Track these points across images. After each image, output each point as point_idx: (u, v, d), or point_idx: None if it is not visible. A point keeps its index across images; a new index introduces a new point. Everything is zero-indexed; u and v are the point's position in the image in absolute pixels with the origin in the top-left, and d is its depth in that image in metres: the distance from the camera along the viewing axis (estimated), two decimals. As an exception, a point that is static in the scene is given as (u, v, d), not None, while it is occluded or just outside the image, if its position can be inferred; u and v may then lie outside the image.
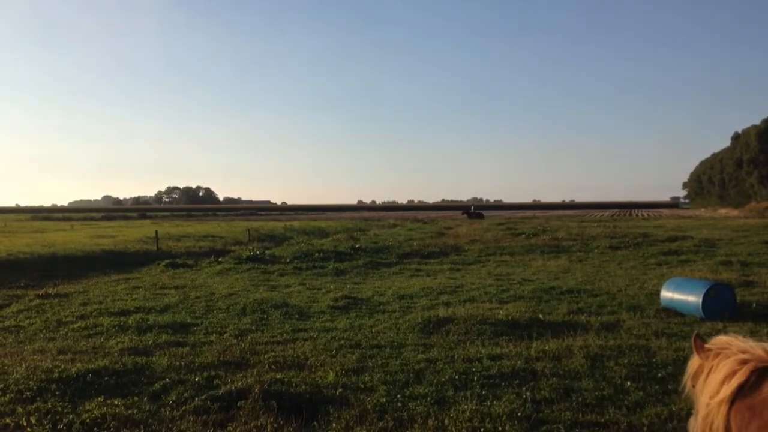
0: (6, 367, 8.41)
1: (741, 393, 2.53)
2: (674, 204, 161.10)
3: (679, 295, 11.80)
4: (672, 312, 11.79)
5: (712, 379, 2.70)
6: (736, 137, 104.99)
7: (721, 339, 2.84)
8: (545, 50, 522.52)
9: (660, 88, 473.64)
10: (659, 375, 7.57)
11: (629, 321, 11.02)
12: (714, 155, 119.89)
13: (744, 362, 2.58)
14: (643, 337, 9.72)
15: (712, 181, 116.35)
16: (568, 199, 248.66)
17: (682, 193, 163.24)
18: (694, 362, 2.93)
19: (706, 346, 2.87)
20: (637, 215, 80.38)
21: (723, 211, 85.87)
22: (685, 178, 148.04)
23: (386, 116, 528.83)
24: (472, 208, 65.35)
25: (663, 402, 6.62)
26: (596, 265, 21.19)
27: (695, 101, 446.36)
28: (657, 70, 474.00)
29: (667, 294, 12.18)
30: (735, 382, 2.56)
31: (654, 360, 8.19)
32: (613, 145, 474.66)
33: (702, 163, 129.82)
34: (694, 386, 2.90)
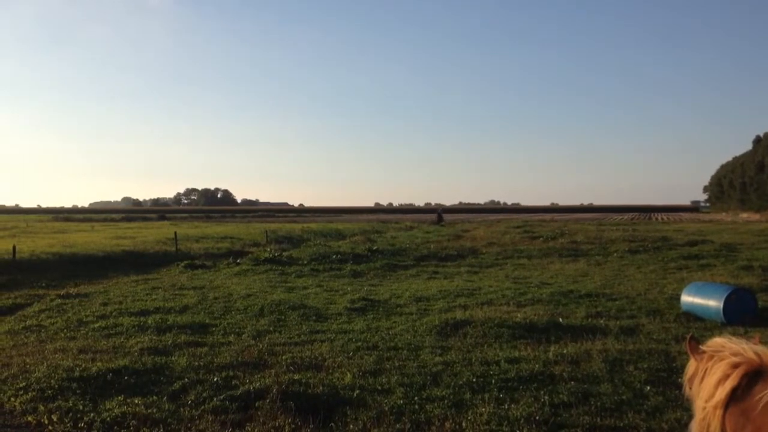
0: (28, 366, 8.53)
1: (734, 397, 2.52)
2: (694, 208, 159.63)
3: (700, 299, 11.68)
4: (692, 316, 11.67)
5: (707, 382, 2.69)
6: (757, 141, 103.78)
7: (715, 341, 2.82)
8: (563, 51, 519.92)
9: (681, 90, 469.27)
10: (679, 380, 7.45)
11: (649, 325, 10.93)
12: (735, 159, 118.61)
13: (736, 365, 2.57)
14: (663, 342, 9.64)
15: (733, 185, 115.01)
16: (586, 203, 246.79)
17: (702, 196, 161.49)
18: (690, 365, 2.92)
19: (701, 348, 2.86)
20: (656, 219, 79.68)
21: (744, 215, 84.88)
22: (706, 181, 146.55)
23: (403, 118, 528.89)
24: (440, 211, 71.32)
25: (683, 407, 6.54)
26: (615, 268, 21.02)
27: (716, 104, 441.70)
28: (678, 73, 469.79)
29: (687, 298, 12.06)
30: (728, 386, 2.54)
31: (674, 365, 8.11)
32: (632, 148, 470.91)
33: (723, 167, 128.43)
34: (691, 389, 2.89)
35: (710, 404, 2.61)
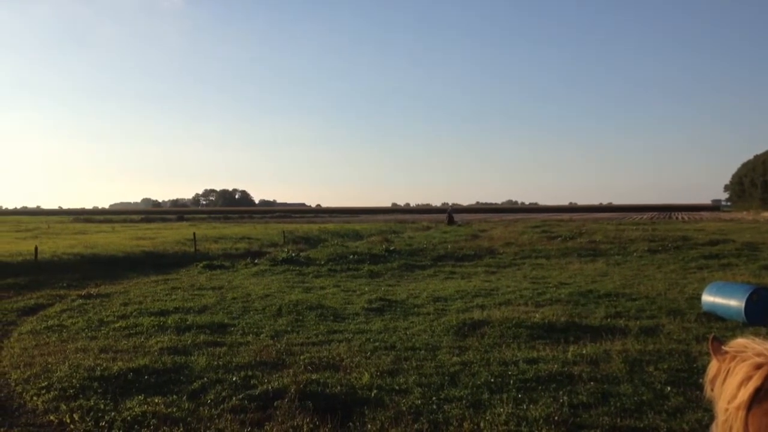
0: (50, 365, 8.64)
1: (757, 398, 2.49)
2: (715, 207, 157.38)
3: (721, 299, 11.56)
4: (713, 317, 11.55)
5: (729, 383, 2.65)
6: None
7: (738, 342, 2.78)
8: (581, 50, 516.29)
9: (701, 88, 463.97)
10: (700, 380, 7.38)
11: (669, 325, 10.83)
12: (756, 157, 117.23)
13: (759, 366, 2.53)
14: (684, 342, 9.54)
15: (754, 183, 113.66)
16: (605, 202, 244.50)
17: (723, 195, 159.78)
18: (712, 366, 2.88)
19: (724, 348, 2.82)
20: (676, 218, 78.88)
21: (766, 214, 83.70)
22: (727, 180, 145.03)
23: (420, 118, 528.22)
24: (450, 210, 69.23)
25: (704, 408, 6.48)
26: (635, 268, 20.85)
27: (737, 102, 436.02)
28: (698, 71, 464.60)
29: (708, 298, 11.93)
30: (751, 387, 2.51)
31: (695, 365, 8.03)
32: (652, 146, 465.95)
33: (744, 165, 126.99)
34: (712, 390, 2.86)
35: (733, 405, 2.58)
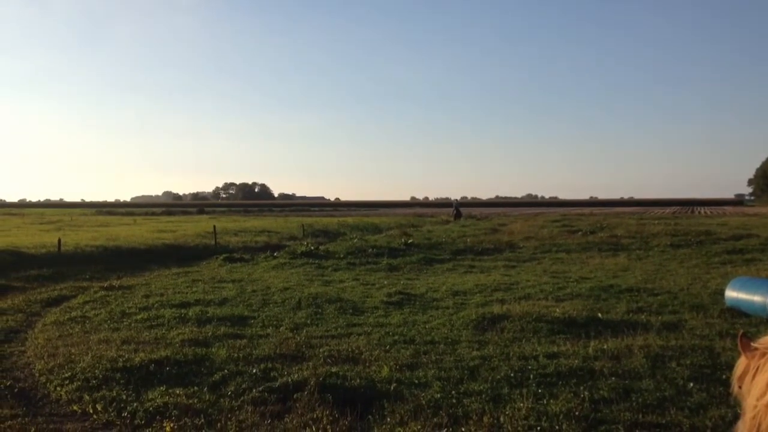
0: (73, 356, 8.75)
1: None
2: (739, 201, 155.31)
3: (745, 294, 11.39)
4: (737, 312, 11.39)
5: (759, 379, 2.61)
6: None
7: None
8: (601, 45, 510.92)
9: (724, 81, 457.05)
10: (723, 377, 7.31)
11: (692, 321, 10.70)
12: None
13: None
14: (707, 338, 9.42)
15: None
16: (626, 196, 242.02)
17: (747, 189, 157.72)
18: (740, 363, 2.84)
19: (753, 345, 2.78)
20: (699, 213, 77.89)
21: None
22: (751, 174, 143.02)
23: (439, 111, 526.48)
24: (456, 204, 67.34)
25: (727, 404, 6.40)
26: (657, 263, 20.63)
27: (760, 95, 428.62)
28: (720, 64, 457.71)
29: (731, 293, 11.77)
30: None
31: (718, 361, 7.93)
32: (674, 140, 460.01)
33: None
34: (740, 387, 2.81)
35: (762, 402, 2.54)
